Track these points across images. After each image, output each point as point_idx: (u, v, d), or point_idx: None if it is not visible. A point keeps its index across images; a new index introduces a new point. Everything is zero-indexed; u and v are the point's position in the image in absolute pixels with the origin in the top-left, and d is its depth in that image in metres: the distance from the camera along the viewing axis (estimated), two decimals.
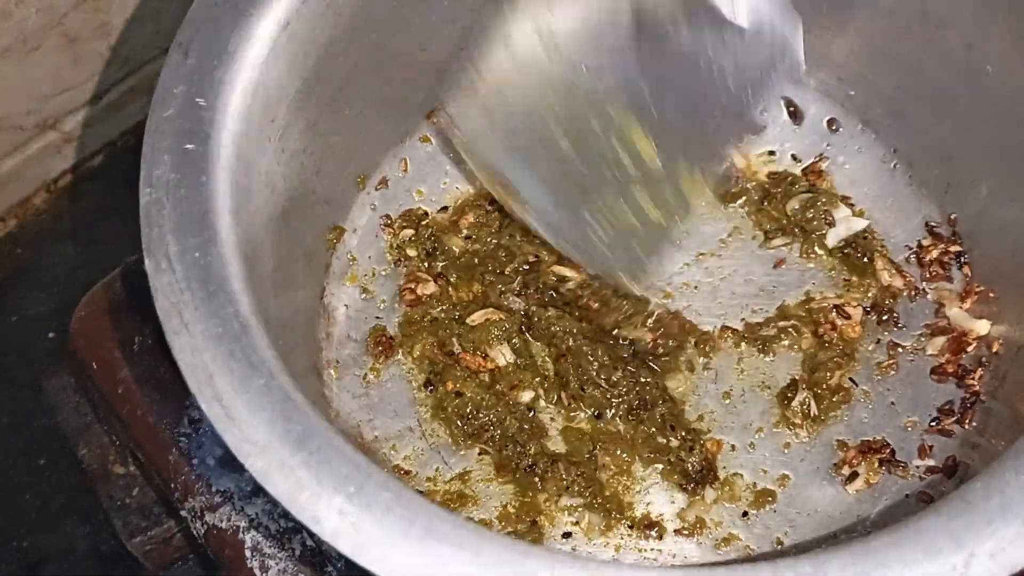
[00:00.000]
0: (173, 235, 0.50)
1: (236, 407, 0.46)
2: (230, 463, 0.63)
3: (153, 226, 0.50)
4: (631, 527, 0.65)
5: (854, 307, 0.70)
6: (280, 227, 0.63)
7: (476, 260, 0.73)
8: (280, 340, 0.60)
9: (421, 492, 0.66)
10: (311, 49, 0.61)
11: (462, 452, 0.68)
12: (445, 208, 0.76)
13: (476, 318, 0.71)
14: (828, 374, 0.68)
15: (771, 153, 0.77)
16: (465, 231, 0.74)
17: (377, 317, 0.72)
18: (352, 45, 0.65)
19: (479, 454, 0.68)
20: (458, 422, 0.68)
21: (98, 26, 1.01)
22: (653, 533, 0.65)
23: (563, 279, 0.71)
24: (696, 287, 0.73)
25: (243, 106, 0.55)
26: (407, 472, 0.68)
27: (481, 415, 0.68)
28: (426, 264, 0.74)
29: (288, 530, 0.62)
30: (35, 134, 1.04)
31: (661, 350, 0.69)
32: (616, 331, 0.69)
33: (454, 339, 0.70)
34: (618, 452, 0.68)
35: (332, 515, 0.44)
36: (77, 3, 0.98)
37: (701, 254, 0.74)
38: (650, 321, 0.70)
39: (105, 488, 0.74)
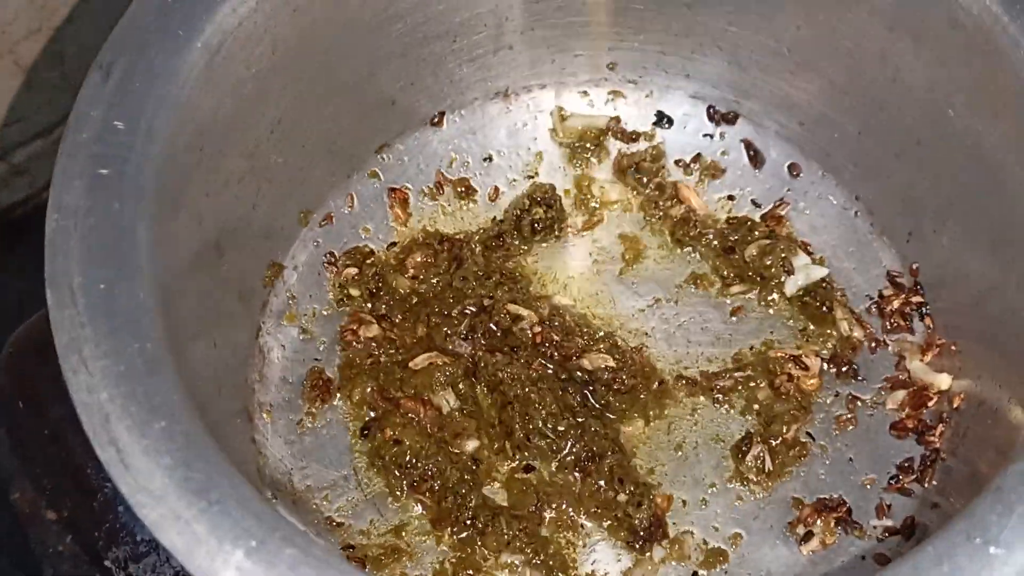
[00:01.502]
0: (79, 265, 0.47)
1: (132, 453, 0.43)
2: None
3: (58, 255, 0.47)
4: None
5: (812, 358, 0.68)
6: (210, 262, 0.60)
7: (422, 301, 0.70)
8: (204, 382, 0.57)
9: (352, 546, 0.63)
10: (247, 76, 0.59)
11: (399, 503, 0.65)
12: (394, 244, 0.73)
13: (419, 362, 0.68)
14: (784, 427, 0.66)
15: (730, 197, 0.75)
16: (412, 271, 0.72)
17: (316, 359, 0.69)
18: (294, 75, 0.63)
19: (417, 506, 0.64)
20: (396, 471, 0.65)
21: (51, 56, 0.99)
22: None
23: (517, 318, 0.68)
24: (651, 333, 0.70)
25: (166, 131, 0.52)
26: (339, 524, 0.64)
27: (420, 464, 0.65)
28: (369, 305, 0.71)
29: None
30: None
31: (620, 386, 0.67)
32: (576, 360, 0.67)
33: (395, 383, 0.67)
34: (563, 506, 0.65)
35: (229, 572, 0.40)
36: (30, 32, 0.95)
37: (657, 299, 0.71)
38: (615, 352, 0.67)
39: (36, 534, 0.70)
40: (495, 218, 0.74)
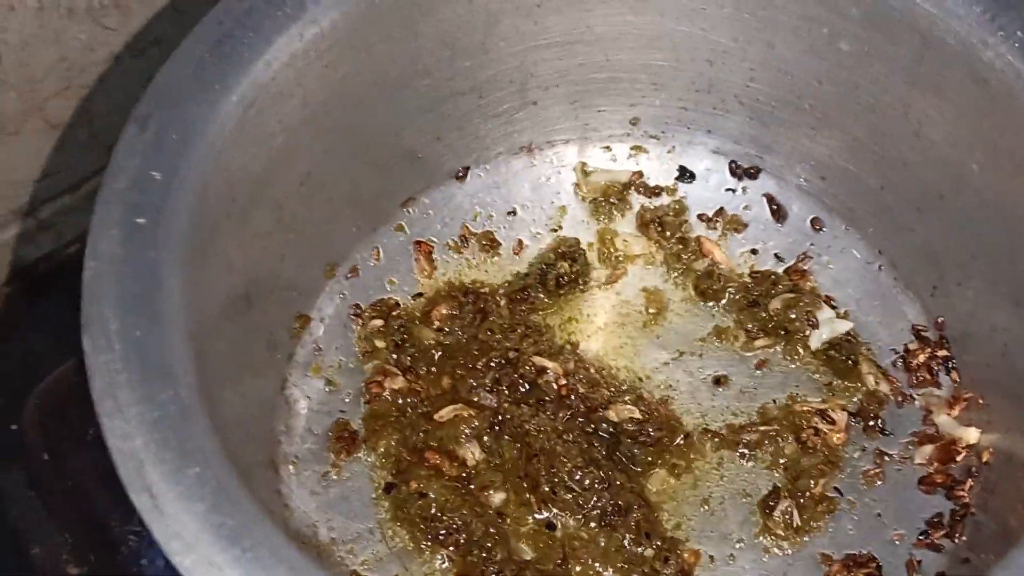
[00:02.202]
0: (114, 311, 0.47)
1: (166, 499, 0.43)
2: None
3: (94, 301, 0.47)
4: None
5: (839, 412, 0.67)
6: (239, 312, 0.61)
7: (447, 354, 0.70)
8: (232, 431, 0.57)
9: None
10: (278, 130, 0.60)
11: (424, 557, 0.64)
12: (419, 295, 0.73)
13: (444, 414, 0.67)
14: (812, 482, 0.65)
15: (753, 251, 0.75)
16: (437, 323, 0.72)
17: (341, 411, 0.69)
18: (323, 129, 0.64)
19: (442, 560, 0.64)
20: (421, 525, 0.64)
21: (80, 113, 1.00)
22: None
23: (542, 370, 0.68)
24: (675, 387, 0.70)
25: (200, 183, 0.53)
26: None
27: (446, 518, 0.64)
28: (395, 356, 0.71)
29: None
30: (10, 220, 1.02)
31: (645, 438, 0.66)
32: (602, 412, 0.67)
33: (421, 436, 0.67)
34: (589, 561, 0.64)
35: None
36: (59, 90, 0.97)
37: (681, 352, 0.71)
38: (640, 404, 0.67)
39: None
40: (519, 272, 0.74)
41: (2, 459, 0.74)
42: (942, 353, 0.69)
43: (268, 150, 0.60)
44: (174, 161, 0.52)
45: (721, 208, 0.76)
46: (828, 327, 0.70)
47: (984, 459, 0.64)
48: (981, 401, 0.66)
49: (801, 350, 0.70)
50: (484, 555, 0.63)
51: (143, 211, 0.50)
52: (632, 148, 0.78)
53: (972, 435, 0.65)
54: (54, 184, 1.04)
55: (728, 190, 0.77)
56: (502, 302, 0.72)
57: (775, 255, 0.75)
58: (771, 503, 0.65)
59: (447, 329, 0.71)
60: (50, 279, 1.11)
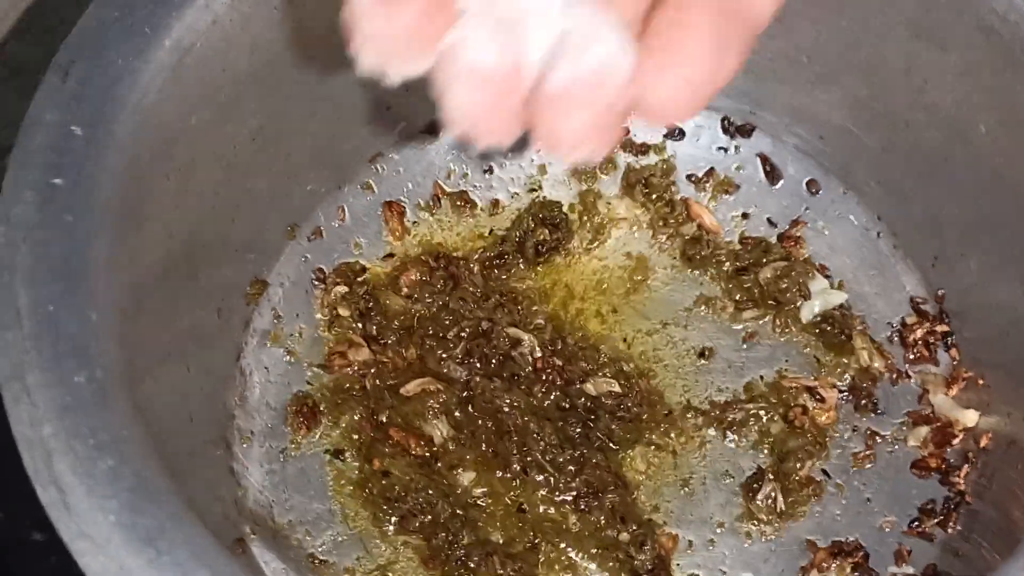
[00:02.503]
0: (25, 285, 0.42)
1: (75, 494, 0.38)
2: None
3: (3, 272, 0.43)
4: None
5: (829, 390, 0.63)
6: (183, 279, 0.56)
7: (416, 323, 0.66)
8: (172, 409, 0.53)
9: None
10: (223, 81, 0.55)
11: (387, 540, 0.61)
12: (391, 255, 0.69)
13: (411, 388, 0.63)
14: (798, 464, 0.61)
15: (745, 215, 0.70)
16: (406, 289, 0.67)
17: (301, 383, 0.65)
18: (277, 79, 0.59)
19: (405, 543, 0.60)
20: (384, 505, 0.61)
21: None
22: None
23: (517, 342, 0.64)
24: (658, 359, 0.66)
25: (130, 138, 0.48)
26: (323, 561, 0.60)
27: (411, 498, 0.60)
28: (360, 325, 0.66)
29: None
30: None
31: (625, 414, 0.63)
32: (580, 386, 0.63)
33: (385, 410, 0.63)
34: (562, 545, 0.61)
35: None
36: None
37: (665, 323, 0.67)
38: (621, 378, 0.63)
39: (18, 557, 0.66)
40: (493, 232, 0.70)
41: None
42: (941, 328, 0.64)
43: (212, 103, 0.54)
44: (98, 114, 0.47)
45: (712, 168, 0.71)
46: (821, 298, 0.66)
47: (982, 444, 0.60)
48: (981, 382, 0.62)
49: (792, 323, 0.66)
50: (450, 538, 0.60)
51: (62, 171, 0.45)
52: None
53: (970, 417, 0.61)
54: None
55: (720, 149, 0.72)
56: (475, 268, 0.68)
57: (767, 220, 0.70)
58: (755, 486, 0.61)
59: (416, 296, 0.67)
60: None
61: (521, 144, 0.33)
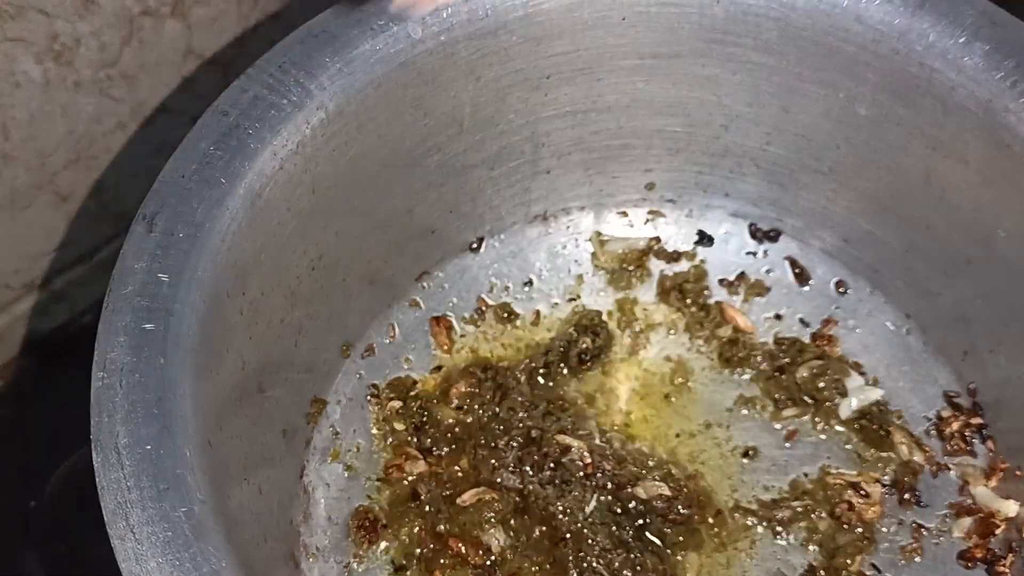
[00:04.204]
0: (124, 425, 0.46)
1: None
2: None
3: (103, 415, 0.46)
4: None
5: (873, 485, 0.65)
6: (252, 404, 0.59)
7: (468, 433, 0.69)
8: (249, 528, 0.55)
9: None
10: (288, 217, 0.59)
11: None
12: (439, 368, 0.72)
13: (467, 498, 0.66)
14: (848, 560, 0.63)
15: (778, 316, 0.73)
16: (456, 401, 0.70)
17: (361, 497, 0.67)
18: (333, 212, 0.63)
19: None
20: None
21: (90, 184, 1.00)
22: None
23: (566, 449, 0.67)
24: (704, 460, 0.68)
25: (210, 280, 0.52)
26: None
27: None
28: (415, 439, 0.69)
29: None
30: (22, 293, 1.02)
31: (675, 516, 0.64)
32: (630, 490, 0.65)
33: (443, 521, 0.65)
34: None
35: None
36: (68, 162, 0.96)
37: (708, 424, 0.70)
38: (669, 480, 0.65)
39: None
40: (539, 344, 0.73)
41: (19, 538, 0.73)
42: (976, 421, 0.67)
43: (278, 238, 0.58)
44: (182, 261, 0.51)
45: (742, 272, 0.75)
46: (858, 395, 0.68)
47: None
48: (1019, 472, 0.64)
49: (831, 420, 0.68)
50: None
51: (152, 316, 0.49)
52: (649, 213, 0.77)
53: (1011, 508, 0.63)
54: (65, 255, 1.03)
55: (749, 253, 0.75)
56: (522, 378, 0.71)
57: (800, 320, 0.73)
58: None
59: (466, 408, 0.70)
60: (65, 350, 1.10)
61: None
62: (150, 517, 0.44)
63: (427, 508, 0.66)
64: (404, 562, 0.65)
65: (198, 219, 0.52)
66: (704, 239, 0.76)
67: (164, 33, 0.75)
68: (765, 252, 0.75)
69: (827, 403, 0.69)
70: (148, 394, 0.47)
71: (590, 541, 0.63)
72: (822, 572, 0.63)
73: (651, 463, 0.67)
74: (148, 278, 0.50)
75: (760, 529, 0.65)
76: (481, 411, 0.69)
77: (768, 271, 0.75)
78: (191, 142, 0.55)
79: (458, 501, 0.66)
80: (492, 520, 0.65)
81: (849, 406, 0.68)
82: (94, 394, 0.47)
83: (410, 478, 0.67)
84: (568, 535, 0.64)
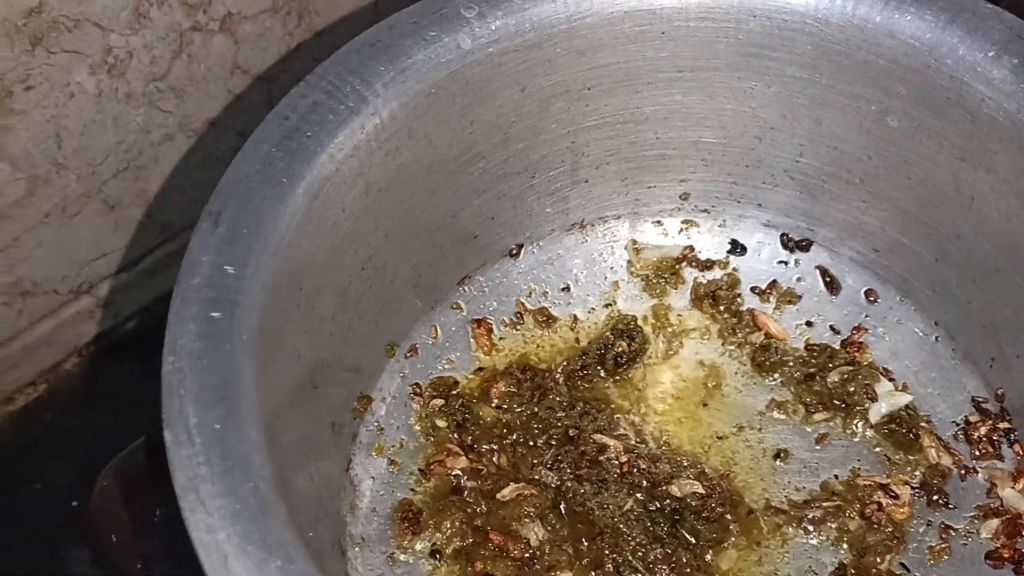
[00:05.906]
0: (193, 406, 0.48)
1: None
2: None
3: (174, 396, 0.49)
4: None
5: (902, 487, 0.67)
6: (306, 397, 0.62)
7: (508, 431, 0.71)
8: (303, 515, 0.58)
9: None
10: (342, 218, 0.61)
11: None
12: (480, 369, 0.74)
13: (507, 493, 0.68)
14: (878, 559, 0.65)
15: (808, 324, 0.75)
16: (496, 400, 0.73)
17: (405, 490, 0.70)
18: (384, 214, 0.66)
19: None
20: None
21: (137, 193, 1.03)
22: None
23: (603, 448, 0.69)
24: (736, 461, 0.70)
25: (271, 274, 0.54)
26: None
27: None
28: (456, 436, 0.71)
29: None
30: (69, 299, 1.05)
31: (709, 514, 0.66)
32: (665, 487, 0.67)
33: (483, 515, 0.68)
34: None
35: None
36: (117, 171, 1.00)
37: (740, 426, 0.72)
38: (703, 479, 0.67)
39: None
40: (576, 344, 0.75)
41: (68, 537, 0.75)
42: (1003, 425, 0.68)
43: (333, 238, 0.61)
44: (245, 255, 0.54)
45: (774, 281, 0.77)
46: (887, 400, 0.70)
47: None
48: None
49: (861, 424, 0.70)
50: None
51: (218, 305, 0.52)
52: (683, 222, 0.79)
53: None
54: (111, 262, 1.06)
55: (780, 263, 0.77)
56: (560, 379, 0.73)
57: (830, 327, 0.75)
58: None
59: (506, 407, 0.72)
60: (109, 355, 1.13)
61: None
62: (219, 491, 0.46)
63: (468, 502, 0.68)
64: (446, 552, 0.67)
65: (260, 216, 0.55)
66: (737, 248, 0.78)
67: (212, 48, 0.78)
68: (796, 261, 0.77)
69: (857, 407, 0.70)
70: (215, 378, 0.49)
71: (626, 536, 0.65)
72: (852, 570, 0.65)
73: (685, 463, 0.69)
74: (214, 270, 0.53)
75: (791, 528, 0.67)
76: (520, 410, 0.72)
77: (799, 280, 0.77)
78: (254, 143, 0.58)
79: (498, 496, 0.68)
80: (531, 515, 0.67)
81: (879, 411, 0.70)
82: (165, 377, 0.50)
83: (452, 473, 0.69)
84: (604, 530, 0.66)
